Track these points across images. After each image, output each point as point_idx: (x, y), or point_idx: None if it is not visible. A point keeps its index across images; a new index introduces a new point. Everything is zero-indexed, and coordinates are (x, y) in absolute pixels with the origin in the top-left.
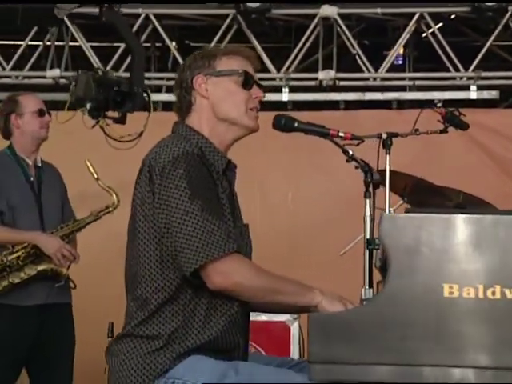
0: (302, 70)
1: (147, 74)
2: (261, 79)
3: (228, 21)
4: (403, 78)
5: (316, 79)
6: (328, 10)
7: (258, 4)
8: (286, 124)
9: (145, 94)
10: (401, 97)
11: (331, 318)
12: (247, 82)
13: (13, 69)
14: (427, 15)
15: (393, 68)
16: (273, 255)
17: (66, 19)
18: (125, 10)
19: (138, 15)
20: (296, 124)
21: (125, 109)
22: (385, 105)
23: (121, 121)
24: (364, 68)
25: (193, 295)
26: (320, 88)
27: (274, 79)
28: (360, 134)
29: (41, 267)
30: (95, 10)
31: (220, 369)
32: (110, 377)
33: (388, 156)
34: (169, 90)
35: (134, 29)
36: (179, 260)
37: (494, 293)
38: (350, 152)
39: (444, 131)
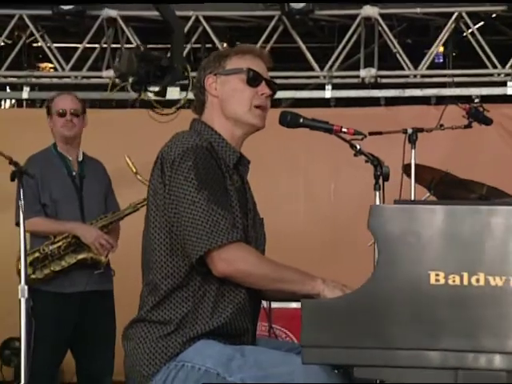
0: (345, 69)
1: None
2: (305, 77)
3: (274, 22)
4: (442, 75)
5: (358, 77)
6: (369, 11)
7: (302, 5)
8: (292, 120)
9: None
10: (439, 93)
11: (322, 304)
12: (253, 79)
13: (72, 69)
14: (465, 14)
15: (433, 66)
16: (315, 242)
17: (121, 22)
18: (176, 13)
19: (189, 17)
20: (301, 120)
21: (165, 82)
22: (424, 101)
23: (161, 94)
24: (404, 66)
25: (202, 282)
26: (362, 85)
27: (317, 77)
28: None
29: (80, 256)
30: (149, 14)
31: (226, 352)
32: (126, 360)
33: (413, 150)
34: None
35: (185, 31)
36: (187, 248)
37: (478, 280)
38: (358, 146)
39: (468, 126)
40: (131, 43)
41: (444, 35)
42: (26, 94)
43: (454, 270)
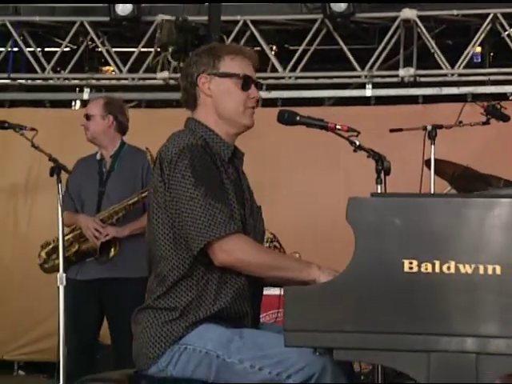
0: (386, 69)
1: None
2: (347, 77)
3: (317, 25)
4: (478, 74)
5: (397, 76)
6: (408, 13)
7: (343, 8)
8: (289, 118)
9: None
10: (475, 91)
11: (303, 290)
12: (246, 85)
13: (129, 71)
14: (500, 15)
15: (472, 65)
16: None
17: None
18: (225, 18)
19: (237, 21)
20: (298, 118)
21: None
22: (461, 98)
23: None
24: (442, 65)
25: (205, 271)
26: (401, 84)
27: (358, 77)
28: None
29: (83, 245)
30: (200, 18)
31: (226, 335)
32: (134, 343)
33: (433, 146)
34: (268, 88)
35: (233, 34)
36: (188, 241)
37: (449, 268)
38: (357, 142)
39: (486, 123)
40: None
41: (480, 36)
42: (86, 95)
43: (426, 259)
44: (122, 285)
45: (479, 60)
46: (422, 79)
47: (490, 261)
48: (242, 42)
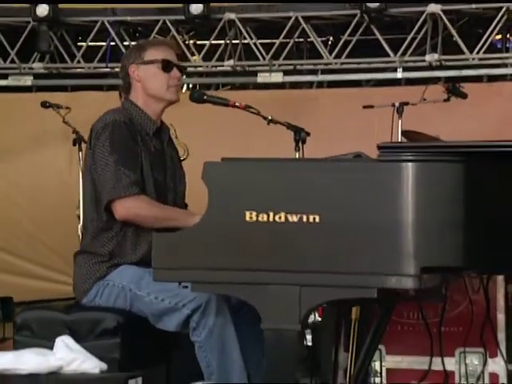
0: (416, 55)
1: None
2: (381, 62)
3: (357, 18)
4: (495, 58)
5: (424, 61)
6: (433, 8)
7: (376, 5)
8: (198, 96)
9: None
10: (491, 72)
11: (167, 235)
12: (167, 67)
13: (203, 60)
14: None
15: (492, 50)
16: None
17: (238, 23)
18: (276, 14)
19: (290, 17)
20: (205, 97)
21: None
22: (478, 79)
23: None
24: (465, 50)
25: (122, 226)
26: (428, 68)
27: (393, 61)
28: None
29: None
30: (262, 15)
31: (138, 273)
32: (73, 278)
33: (400, 120)
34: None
35: (287, 29)
36: (100, 198)
37: (280, 217)
38: (269, 117)
39: (447, 100)
40: (245, 38)
41: (496, 26)
42: None
43: (262, 210)
44: None
45: (499, 46)
46: (448, 63)
47: (311, 211)
48: (296, 35)
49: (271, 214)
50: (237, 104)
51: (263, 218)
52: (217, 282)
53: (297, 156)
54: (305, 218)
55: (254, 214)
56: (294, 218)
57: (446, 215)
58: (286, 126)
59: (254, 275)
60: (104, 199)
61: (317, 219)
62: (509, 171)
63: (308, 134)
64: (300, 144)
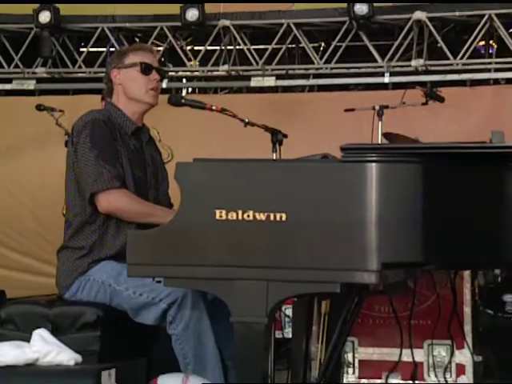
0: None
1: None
2: (369, 67)
3: (346, 25)
4: (478, 63)
5: (410, 66)
6: (419, 15)
7: (364, 12)
8: (176, 100)
9: None
10: (474, 77)
11: (141, 233)
12: (146, 69)
13: (200, 65)
14: (494, 16)
15: (475, 56)
16: None
17: (233, 29)
18: (269, 21)
19: (282, 24)
20: (183, 100)
21: None
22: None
23: None
24: (450, 56)
25: (104, 219)
26: (414, 72)
27: (380, 67)
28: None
29: None
30: (256, 22)
31: (117, 269)
32: (56, 274)
33: (380, 122)
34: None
35: (279, 35)
36: (83, 192)
37: (248, 215)
38: (246, 120)
39: (425, 103)
40: (239, 44)
41: (479, 32)
42: (164, 84)
43: (231, 208)
44: None
45: (483, 52)
46: (433, 68)
47: (278, 210)
48: (288, 40)
49: (240, 213)
50: (213, 107)
51: (232, 216)
52: (188, 277)
53: (274, 157)
54: (272, 217)
55: (224, 212)
56: (261, 217)
57: (405, 214)
58: (264, 128)
59: (224, 271)
60: (87, 192)
61: (283, 218)
62: (467, 171)
63: (285, 135)
64: (277, 146)
